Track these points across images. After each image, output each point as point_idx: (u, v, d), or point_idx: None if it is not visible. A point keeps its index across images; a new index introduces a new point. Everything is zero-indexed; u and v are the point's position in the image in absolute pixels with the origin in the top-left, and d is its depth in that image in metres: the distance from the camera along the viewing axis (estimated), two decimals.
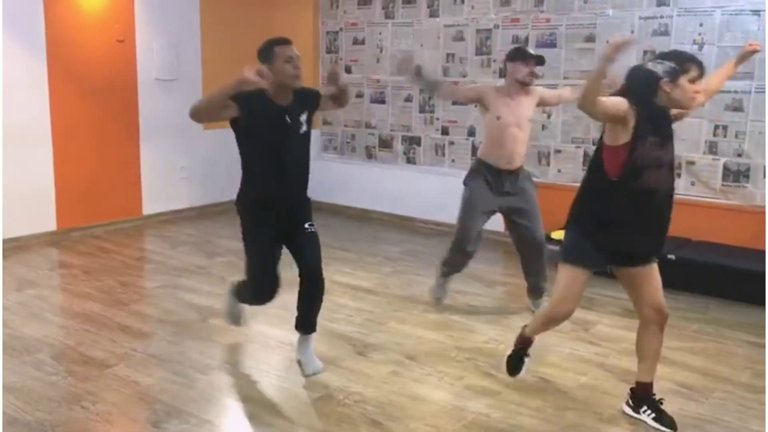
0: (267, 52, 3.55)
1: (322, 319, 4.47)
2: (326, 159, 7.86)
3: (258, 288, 3.76)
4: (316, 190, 7.90)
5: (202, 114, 3.42)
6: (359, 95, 7.56)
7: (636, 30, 5.73)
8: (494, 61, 6.48)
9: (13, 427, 3.14)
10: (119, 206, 6.82)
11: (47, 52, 6.12)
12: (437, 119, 6.98)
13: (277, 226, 3.65)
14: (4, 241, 5.85)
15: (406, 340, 4.21)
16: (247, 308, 4.11)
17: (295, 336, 4.12)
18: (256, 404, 3.46)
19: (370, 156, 7.59)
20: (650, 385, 3.29)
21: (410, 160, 7.21)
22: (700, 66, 2.97)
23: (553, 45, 6.17)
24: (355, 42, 7.48)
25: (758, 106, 5.29)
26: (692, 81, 2.95)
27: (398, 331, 4.35)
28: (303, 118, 3.64)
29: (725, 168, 5.48)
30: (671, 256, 5.12)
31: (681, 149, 5.64)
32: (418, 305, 4.80)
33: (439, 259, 4.80)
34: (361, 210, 7.50)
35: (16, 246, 5.92)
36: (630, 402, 3.33)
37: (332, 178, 7.72)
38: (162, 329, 4.33)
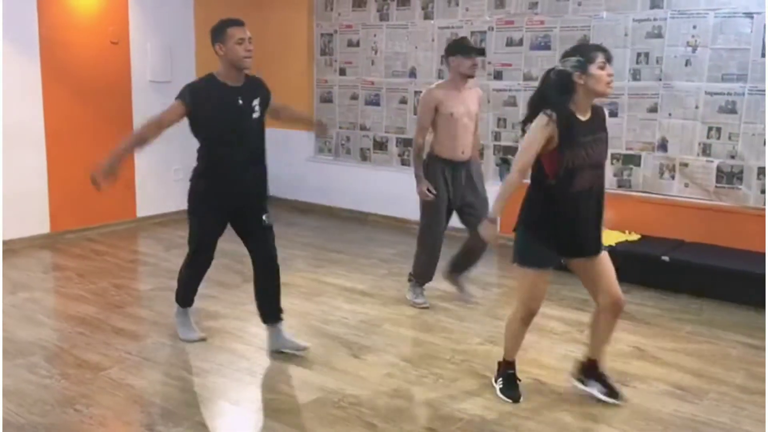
0: (220, 32, 3.65)
1: (316, 322, 4.49)
2: (321, 161, 7.86)
3: (198, 258, 3.97)
4: (310, 192, 7.99)
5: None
6: (354, 97, 7.55)
7: (630, 32, 5.74)
8: (489, 63, 6.49)
9: (6, 430, 3.13)
10: (113, 208, 6.80)
11: (41, 54, 6.10)
12: None
13: (230, 213, 3.82)
14: None
15: (401, 342, 4.20)
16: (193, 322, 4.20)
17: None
18: (250, 407, 3.46)
19: (364, 158, 7.59)
20: (598, 362, 3.47)
21: (405, 162, 7.20)
22: (604, 51, 3.12)
23: (547, 47, 6.18)
24: (350, 44, 7.48)
25: (751, 108, 5.31)
26: (602, 67, 3.07)
27: (393, 333, 4.34)
28: (255, 103, 3.74)
29: (719, 170, 5.49)
30: (665, 258, 5.14)
31: (675, 151, 5.67)
32: (412, 307, 4.79)
33: (411, 272, 4.87)
34: (356, 212, 7.50)
35: (10, 249, 5.90)
36: (578, 375, 3.51)
37: (327, 179, 7.72)
38: (156, 332, 4.32)
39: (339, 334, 4.31)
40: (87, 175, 3.61)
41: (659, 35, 5.62)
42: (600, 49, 3.13)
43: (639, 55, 5.72)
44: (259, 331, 4.29)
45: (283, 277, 5.18)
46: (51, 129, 6.23)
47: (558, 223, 3.18)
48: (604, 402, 3.44)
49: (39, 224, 6.25)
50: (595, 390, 3.44)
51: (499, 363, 3.56)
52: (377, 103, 7.38)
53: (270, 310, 3.96)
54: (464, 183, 4.61)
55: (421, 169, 4.59)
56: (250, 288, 5.02)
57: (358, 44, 7.41)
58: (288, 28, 7.78)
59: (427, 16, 6.89)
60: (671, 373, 3.81)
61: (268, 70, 7.96)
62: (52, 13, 6.15)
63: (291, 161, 8.01)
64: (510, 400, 3.43)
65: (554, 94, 3.10)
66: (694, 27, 5.47)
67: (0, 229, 5.80)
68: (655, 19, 5.63)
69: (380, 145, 7.44)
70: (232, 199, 3.77)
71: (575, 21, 6.01)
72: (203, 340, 4.13)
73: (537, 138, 3.09)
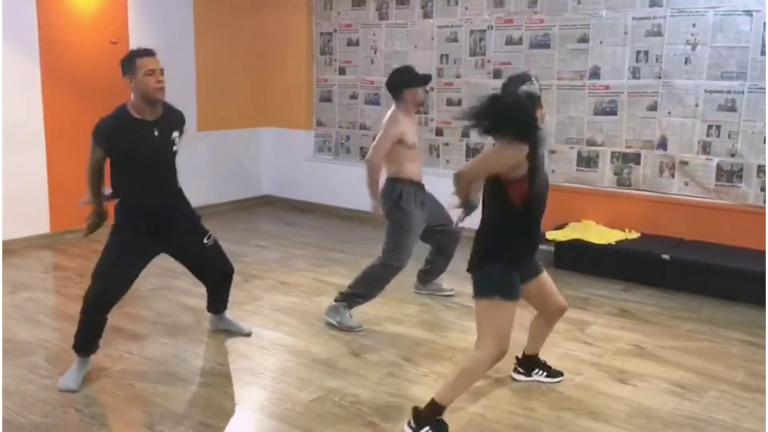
0: (128, 63, 3.56)
1: (316, 321, 4.49)
2: (321, 160, 7.86)
3: (111, 296, 3.64)
4: (310, 191, 7.97)
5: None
6: (353, 96, 7.55)
7: (629, 30, 5.74)
8: (488, 62, 6.49)
9: (7, 430, 3.13)
10: (112, 209, 6.78)
11: (40, 54, 6.10)
12: (432, 120, 6.97)
13: (156, 241, 3.73)
14: None
15: (402, 341, 4.20)
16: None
17: (290, 338, 4.14)
18: (250, 406, 3.46)
19: (364, 157, 7.57)
20: (537, 354, 3.69)
21: None
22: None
23: (546, 45, 6.17)
24: (349, 43, 7.48)
25: (751, 106, 5.31)
26: None
27: (393, 332, 4.35)
28: (175, 135, 3.62)
29: (718, 168, 5.49)
30: (665, 256, 5.14)
31: (675, 149, 5.67)
32: (413, 306, 4.80)
33: (353, 288, 4.41)
34: (356, 211, 7.48)
35: (10, 249, 5.89)
36: (519, 369, 3.68)
37: (326, 179, 7.72)
38: (156, 331, 4.32)
39: (340, 333, 4.31)
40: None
41: (659, 33, 5.62)
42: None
43: (638, 53, 5.72)
44: (258, 330, 4.30)
45: (284, 277, 5.17)
46: (51, 129, 6.23)
47: (526, 245, 3.20)
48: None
49: (39, 224, 6.24)
50: (541, 377, 3.66)
51: (421, 411, 3.06)
52: (377, 102, 7.37)
53: (223, 305, 4.23)
54: (431, 201, 4.61)
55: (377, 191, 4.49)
56: (249, 287, 5.05)
57: (357, 43, 7.41)
58: (287, 27, 7.77)
59: (427, 15, 6.88)
60: (671, 371, 3.81)
61: (267, 70, 7.99)
62: (51, 12, 6.14)
63: (290, 161, 8.02)
64: None
65: (528, 121, 2.97)
66: (694, 25, 5.47)
67: (0, 229, 5.80)
68: (654, 18, 5.63)
69: None
70: (154, 227, 3.67)
71: (575, 19, 6.01)
72: (73, 392, 3.52)
73: (517, 154, 2.94)
